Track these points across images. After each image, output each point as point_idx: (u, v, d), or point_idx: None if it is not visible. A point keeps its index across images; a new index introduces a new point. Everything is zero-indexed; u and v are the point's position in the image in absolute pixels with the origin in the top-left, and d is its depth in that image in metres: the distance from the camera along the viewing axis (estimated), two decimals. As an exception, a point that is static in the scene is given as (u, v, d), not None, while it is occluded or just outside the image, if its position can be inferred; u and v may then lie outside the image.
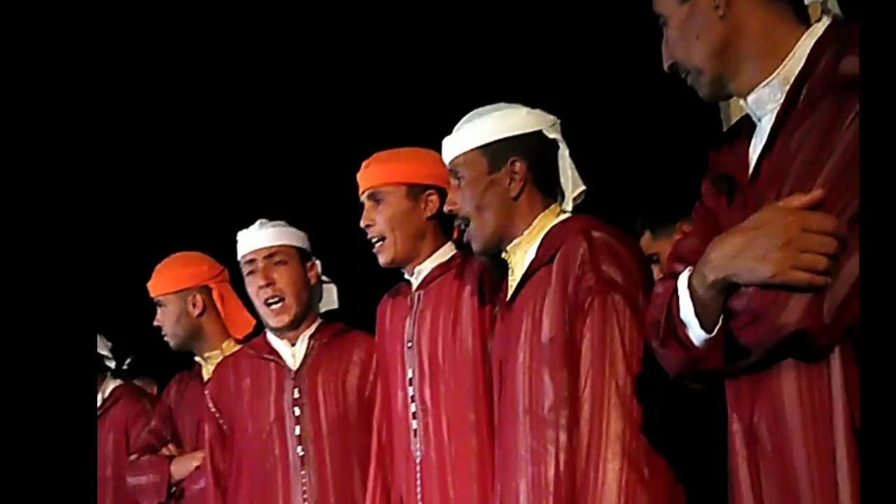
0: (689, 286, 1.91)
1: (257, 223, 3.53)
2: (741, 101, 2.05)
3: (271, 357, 3.51)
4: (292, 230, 3.55)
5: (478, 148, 2.70)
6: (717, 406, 2.14)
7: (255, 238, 3.50)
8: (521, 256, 2.69)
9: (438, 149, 2.86)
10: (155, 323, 3.95)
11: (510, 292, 2.69)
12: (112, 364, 4.48)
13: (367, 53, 6.24)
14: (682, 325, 1.93)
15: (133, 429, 4.28)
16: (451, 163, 2.76)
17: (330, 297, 3.64)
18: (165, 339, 3.94)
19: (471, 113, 2.76)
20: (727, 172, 2.07)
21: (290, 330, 3.50)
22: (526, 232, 2.68)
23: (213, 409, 3.58)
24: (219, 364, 3.71)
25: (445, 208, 2.84)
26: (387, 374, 3.20)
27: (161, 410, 4.07)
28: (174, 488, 3.84)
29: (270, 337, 3.55)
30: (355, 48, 6.27)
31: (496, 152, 2.68)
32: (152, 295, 3.96)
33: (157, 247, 4.19)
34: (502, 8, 5.99)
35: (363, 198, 3.16)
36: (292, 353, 3.50)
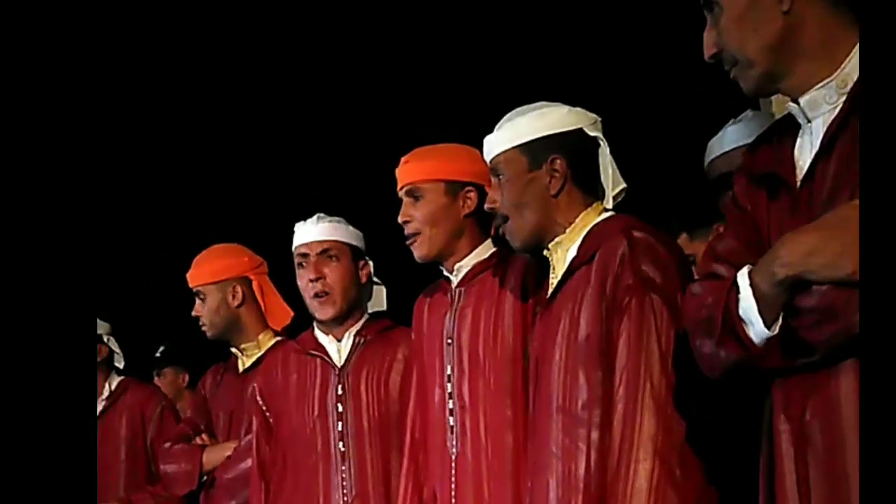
0: (751, 284, 1.92)
1: (315, 217, 3.54)
2: (788, 103, 2.04)
3: (317, 353, 3.53)
4: (349, 228, 3.56)
5: (518, 146, 2.70)
6: (752, 408, 2.14)
7: (310, 231, 3.52)
8: (562, 255, 2.69)
9: (482, 147, 2.86)
10: (193, 313, 3.97)
11: (551, 290, 2.69)
12: (121, 364, 4.54)
13: (419, 52, 6.26)
14: (742, 322, 1.94)
15: (147, 408, 4.37)
16: (491, 161, 2.77)
17: (378, 299, 3.65)
18: (203, 329, 3.96)
19: (512, 112, 2.77)
20: (770, 172, 2.06)
21: (335, 325, 3.51)
22: (568, 230, 2.69)
23: (261, 402, 3.61)
24: (267, 358, 3.75)
25: (486, 206, 2.85)
26: (423, 370, 3.20)
27: (196, 400, 4.11)
28: (206, 477, 3.86)
29: (317, 332, 3.57)
30: (408, 47, 6.29)
31: (536, 150, 2.68)
32: (192, 285, 3.97)
33: (193, 239, 4.21)
34: (545, 8, 5.99)
35: (401, 194, 3.16)
36: (338, 350, 3.52)
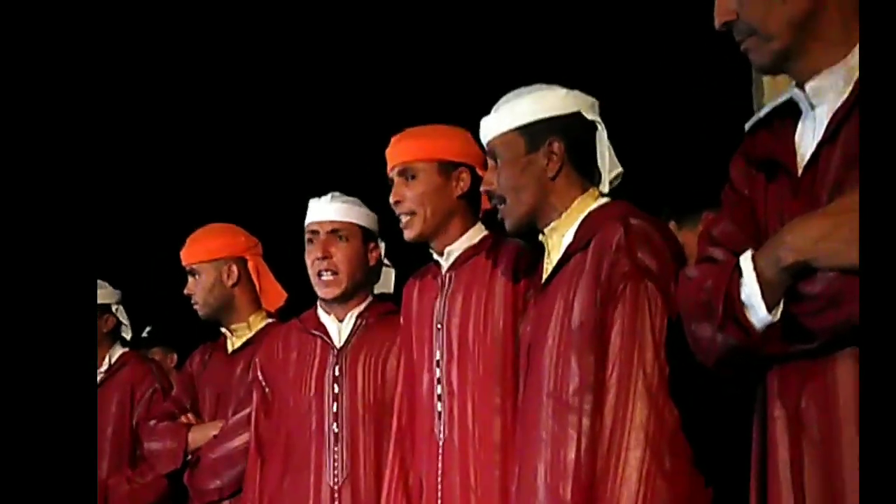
0: (755, 268, 1.91)
1: (329, 195, 3.51)
2: (793, 89, 2.03)
3: (318, 333, 3.52)
4: (362, 209, 3.53)
5: (516, 129, 2.68)
6: (743, 398, 2.14)
7: (323, 210, 3.49)
8: (557, 240, 2.68)
9: (474, 130, 2.85)
10: (186, 291, 3.94)
11: (545, 276, 2.68)
12: (128, 335, 4.51)
13: (413, 36, 6.24)
14: (744, 306, 1.93)
15: (139, 389, 4.33)
16: (488, 143, 2.75)
17: (387, 281, 3.63)
18: (195, 307, 3.94)
19: (509, 94, 2.75)
20: (770, 157, 2.06)
21: (338, 304, 3.49)
22: (564, 215, 2.67)
23: (261, 378, 3.60)
24: (270, 334, 3.74)
25: (482, 188, 2.84)
26: (411, 356, 3.18)
27: (183, 379, 4.08)
28: (190, 456, 3.84)
29: (320, 311, 3.55)
30: (404, 33, 6.27)
31: (534, 133, 2.67)
32: (186, 263, 3.94)
33: (183, 219, 4.19)
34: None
35: (393, 173, 3.13)
36: (338, 330, 3.50)
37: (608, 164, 2.68)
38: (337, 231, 3.47)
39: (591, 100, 2.72)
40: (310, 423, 3.43)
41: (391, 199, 3.12)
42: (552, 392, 2.57)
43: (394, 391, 3.33)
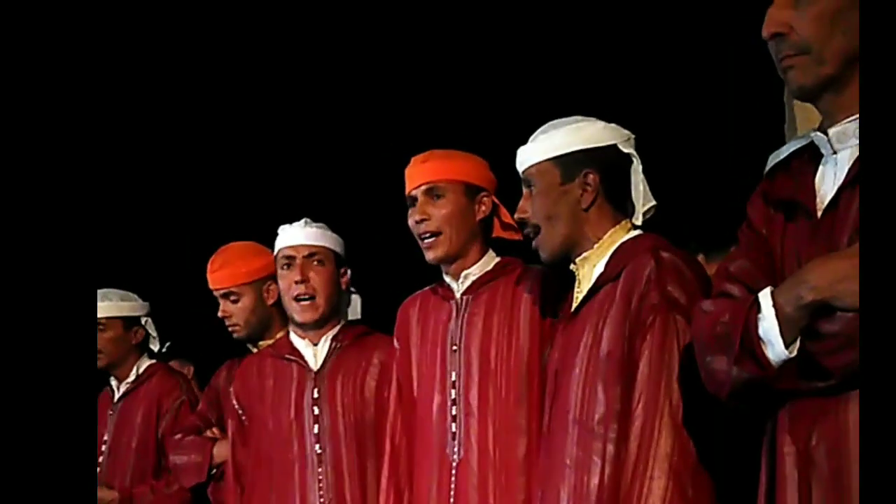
0: (773, 305, 1.94)
1: (302, 221, 3.55)
2: (814, 133, 2.06)
3: (293, 358, 3.54)
4: (333, 234, 3.57)
5: (552, 158, 2.71)
6: (763, 431, 2.16)
7: (298, 235, 3.52)
8: (589, 270, 2.71)
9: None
10: (221, 314, 3.92)
11: (575, 304, 2.71)
12: (156, 347, 4.54)
13: (433, 68, 6.26)
14: (761, 342, 1.96)
15: (166, 400, 4.34)
16: (524, 172, 2.78)
17: (354, 308, 3.68)
18: (233, 329, 3.92)
19: (547, 124, 2.78)
20: (790, 199, 2.10)
21: (313, 329, 3.52)
22: (596, 246, 2.70)
23: (237, 406, 3.61)
24: (243, 363, 3.74)
25: (516, 216, 2.85)
26: (409, 377, 3.19)
27: (209, 394, 4.09)
28: (215, 470, 3.87)
29: (293, 337, 3.58)
30: (422, 62, 6.29)
31: (570, 164, 2.70)
32: (225, 286, 3.91)
33: (199, 235, 4.20)
34: (556, 29, 6.01)
35: (418, 192, 3.12)
36: (314, 354, 3.53)
37: (642, 197, 2.71)
38: (313, 255, 3.50)
39: (626, 133, 2.75)
40: (291, 445, 3.44)
41: (415, 218, 3.12)
42: (578, 419, 2.59)
43: (374, 409, 3.38)
